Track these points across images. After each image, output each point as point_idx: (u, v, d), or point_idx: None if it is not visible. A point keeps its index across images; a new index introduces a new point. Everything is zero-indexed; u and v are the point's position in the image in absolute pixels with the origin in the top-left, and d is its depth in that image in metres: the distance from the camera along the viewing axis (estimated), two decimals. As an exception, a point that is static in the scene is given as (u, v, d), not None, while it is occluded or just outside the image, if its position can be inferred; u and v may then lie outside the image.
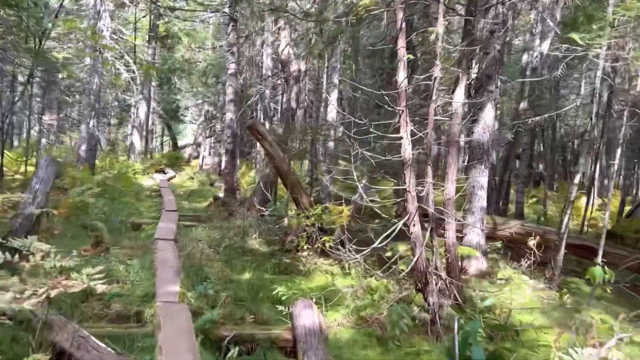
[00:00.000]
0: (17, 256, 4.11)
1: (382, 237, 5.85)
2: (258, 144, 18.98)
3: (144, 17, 22.52)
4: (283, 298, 5.89)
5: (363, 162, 9.05)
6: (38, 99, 22.05)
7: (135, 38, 21.40)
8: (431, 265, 5.79)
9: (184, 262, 7.84)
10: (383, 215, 7.35)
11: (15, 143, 30.51)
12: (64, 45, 18.46)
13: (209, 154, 29.82)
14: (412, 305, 5.89)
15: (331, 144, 13.12)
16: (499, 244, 9.46)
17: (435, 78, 5.24)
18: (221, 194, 16.17)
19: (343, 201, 9.03)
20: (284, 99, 14.05)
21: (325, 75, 18.32)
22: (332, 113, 13.41)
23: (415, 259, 5.53)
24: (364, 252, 5.66)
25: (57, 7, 12.52)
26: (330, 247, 8.22)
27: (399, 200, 6.71)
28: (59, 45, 18.60)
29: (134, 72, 18.50)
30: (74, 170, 13.87)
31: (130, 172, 22.75)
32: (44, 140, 27.92)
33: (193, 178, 22.94)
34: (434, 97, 5.31)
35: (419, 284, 5.87)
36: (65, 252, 7.65)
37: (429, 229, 5.72)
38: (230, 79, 14.21)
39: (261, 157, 16.53)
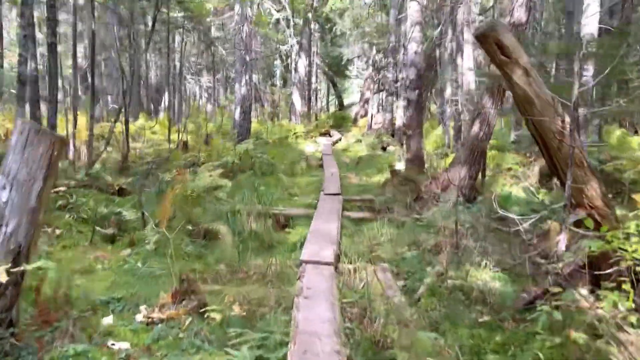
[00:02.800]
0: None
1: None
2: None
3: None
4: None
5: None
6: (193, 59, 20.25)
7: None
8: None
9: (348, 332, 3.71)
10: None
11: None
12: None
13: (378, 111, 25.62)
14: None
15: (588, 77, 7.60)
16: None
17: None
18: (399, 165, 11.82)
19: None
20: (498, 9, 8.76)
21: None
22: (589, 26, 7.80)
23: None
24: None
25: None
26: None
27: None
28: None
29: (286, 10, 14.88)
30: (215, 140, 10.80)
31: (291, 136, 19.88)
32: (209, 106, 26.84)
33: (361, 140, 19.02)
34: None
35: None
36: (129, 308, 4.01)
37: None
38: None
39: (456, 107, 11.51)
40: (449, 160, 11.42)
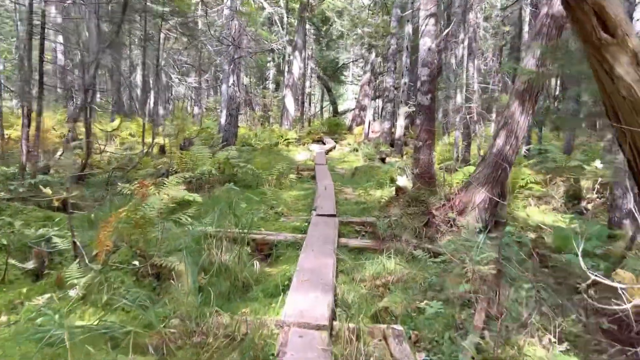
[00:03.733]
0: None
1: None
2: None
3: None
4: None
5: None
6: (181, 57, 18.80)
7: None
8: None
9: None
10: None
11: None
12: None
13: (374, 119, 24.27)
14: None
15: None
16: None
17: None
18: (401, 180, 10.39)
19: None
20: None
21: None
22: (642, 22, 6.49)
23: None
24: None
25: None
26: None
27: None
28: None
29: (280, 6, 13.47)
30: (191, 148, 9.30)
31: (282, 142, 18.48)
32: (196, 109, 25.36)
33: (357, 150, 17.63)
34: None
35: None
36: None
37: None
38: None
39: (470, 115, 10.13)
40: (460, 176, 10.07)
